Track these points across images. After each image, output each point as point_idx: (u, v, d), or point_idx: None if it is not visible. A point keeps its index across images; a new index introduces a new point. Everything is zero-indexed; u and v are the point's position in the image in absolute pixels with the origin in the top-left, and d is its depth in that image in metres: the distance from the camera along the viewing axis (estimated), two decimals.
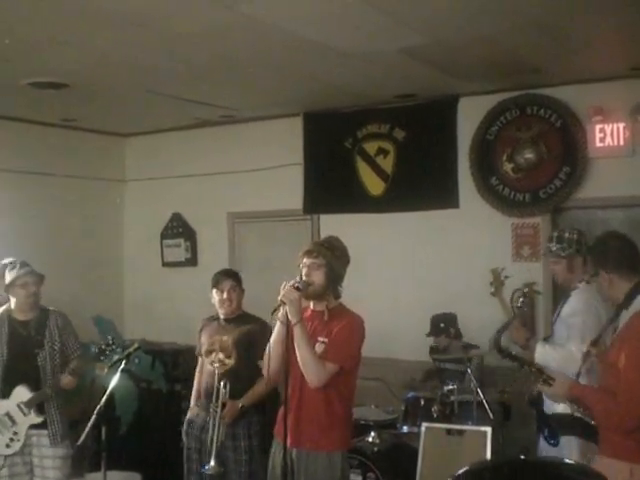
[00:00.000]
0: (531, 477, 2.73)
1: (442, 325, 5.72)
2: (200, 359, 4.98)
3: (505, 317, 4.80)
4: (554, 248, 4.56)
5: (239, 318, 4.82)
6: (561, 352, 4.27)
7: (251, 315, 4.86)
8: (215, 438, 4.38)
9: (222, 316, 4.83)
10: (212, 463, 4.28)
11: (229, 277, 4.81)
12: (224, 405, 4.45)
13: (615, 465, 3.25)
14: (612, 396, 3.25)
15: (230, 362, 4.65)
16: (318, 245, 3.91)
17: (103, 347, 4.78)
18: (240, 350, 4.65)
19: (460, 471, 2.94)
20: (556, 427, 4.11)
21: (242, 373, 4.61)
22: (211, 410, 4.49)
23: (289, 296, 3.62)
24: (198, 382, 4.92)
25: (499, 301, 4.87)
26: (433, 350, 5.82)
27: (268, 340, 4.57)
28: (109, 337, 4.91)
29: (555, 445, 4.01)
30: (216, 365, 4.61)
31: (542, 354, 4.30)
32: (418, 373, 5.89)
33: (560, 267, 4.57)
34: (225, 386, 4.43)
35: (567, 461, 3.37)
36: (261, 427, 4.70)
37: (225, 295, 4.76)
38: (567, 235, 4.55)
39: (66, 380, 4.78)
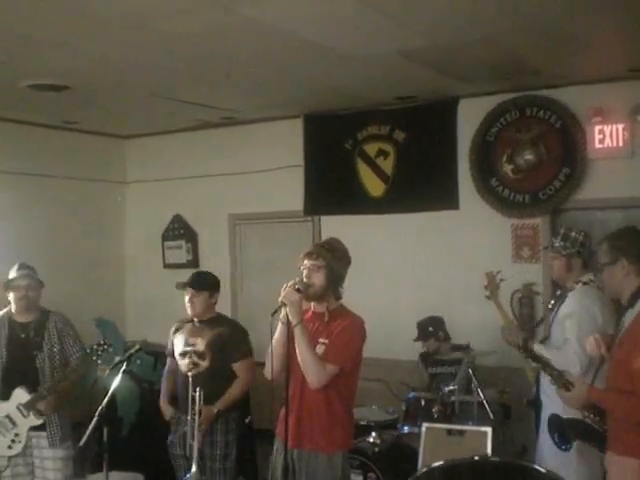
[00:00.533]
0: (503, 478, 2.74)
1: (430, 329, 5.72)
2: (169, 360, 5.01)
3: (501, 320, 4.83)
4: (557, 244, 4.60)
5: (213, 320, 4.84)
6: (558, 354, 4.27)
7: (225, 317, 4.90)
8: (195, 445, 4.38)
9: (195, 318, 4.86)
10: (193, 469, 4.28)
11: (188, 284, 4.84)
12: (200, 412, 4.46)
13: (625, 462, 3.28)
14: (629, 397, 3.25)
15: (204, 364, 4.68)
16: (318, 247, 3.92)
17: (95, 347, 4.76)
18: (214, 352, 4.68)
19: (435, 464, 2.97)
20: (569, 432, 4.08)
21: (216, 375, 4.65)
22: (189, 418, 4.51)
23: (290, 297, 3.63)
24: (171, 383, 4.94)
25: (495, 304, 4.89)
26: (424, 357, 5.82)
27: (241, 342, 4.63)
28: (102, 339, 4.89)
29: (567, 450, 3.97)
30: (191, 368, 4.63)
31: None
32: (417, 374, 5.90)
33: (558, 263, 4.60)
34: (200, 394, 4.43)
35: (538, 468, 3.40)
36: (238, 424, 4.74)
37: (187, 299, 4.81)
38: (573, 234, 4.59)
39: (42, 406, 4.74)
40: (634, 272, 3.47)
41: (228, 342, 4.70)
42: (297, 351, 3.66)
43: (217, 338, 4.72)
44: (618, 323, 3.61)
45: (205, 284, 4.86)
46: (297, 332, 3.65)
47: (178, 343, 4.86)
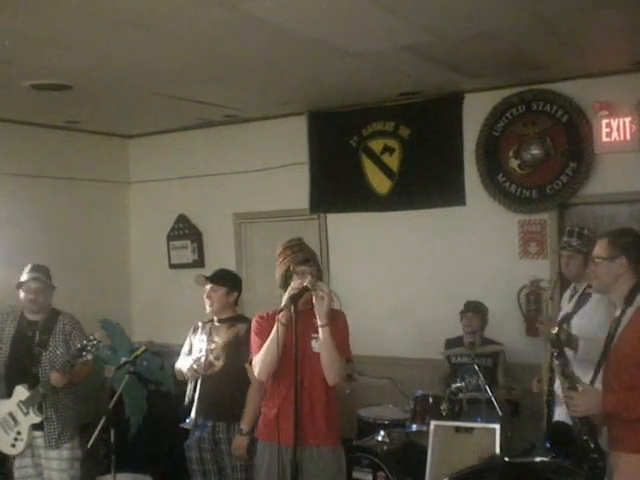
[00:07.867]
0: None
1: (480, 306, 5.70)
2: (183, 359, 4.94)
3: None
4: (574, 242, 4.63)
5: (232, 320, 4.74)
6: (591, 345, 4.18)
7: (246, 318, 4.78)
8: None
9: (214, 317, 4.80)
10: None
11: (207, 278, 4.78)
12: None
13: (633, 459, 3.25)
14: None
15: (219, 364, 4.63)
16: (310, 252, 3.99)
17: (85, 343, 4.69)
18: (229, 351, 4.61)
19: None
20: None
21: (230, 375, 4.57)
22: None
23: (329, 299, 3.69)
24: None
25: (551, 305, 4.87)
26: (450, 344, 5.76)
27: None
28: (92, 335, 4.77)
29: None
30: (206, 369, 4.60)
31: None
32: (426, 372, 5.87)
33: (577, 261, 4.62)
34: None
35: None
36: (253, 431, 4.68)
37: (205, 294, 4.75)
38: (586, 233, 4.64)
39: (54, 376, 4.67)
40: (631, 272, 3.46)
41: (244, 341, 4.60)
42: (324, 351, 3.73)
43: (234, 337, 4.65)
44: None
45: (223, 279, 4.79)
46: (326, 332, 3.71)
47: (196, 343, 4.80)
